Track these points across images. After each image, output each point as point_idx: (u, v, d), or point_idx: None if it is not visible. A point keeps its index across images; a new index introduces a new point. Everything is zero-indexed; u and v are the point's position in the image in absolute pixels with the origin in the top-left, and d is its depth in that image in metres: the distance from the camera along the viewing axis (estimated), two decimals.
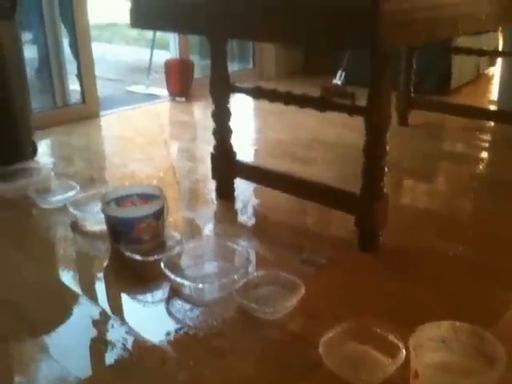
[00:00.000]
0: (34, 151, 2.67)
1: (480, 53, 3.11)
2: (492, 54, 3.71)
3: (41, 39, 3.59)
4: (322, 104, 1.95)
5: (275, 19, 1.62)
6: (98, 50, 3.92)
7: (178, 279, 1.61)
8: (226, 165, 2.27)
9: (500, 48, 3.89)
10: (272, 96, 2.09)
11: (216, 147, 2.26)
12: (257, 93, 2.17)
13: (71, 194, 2.24)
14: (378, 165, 1.79)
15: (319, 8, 1.53)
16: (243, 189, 2.33)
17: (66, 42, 3.63)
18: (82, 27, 3.45)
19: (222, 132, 2.24)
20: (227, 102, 2.19)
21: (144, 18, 1.97)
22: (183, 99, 3.89)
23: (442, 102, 3.31)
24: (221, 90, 2.17)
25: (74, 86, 3.60)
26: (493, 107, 3.58)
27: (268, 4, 1.63)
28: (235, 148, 2.24)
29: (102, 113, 3.56)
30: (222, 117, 2.22)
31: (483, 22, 1.87)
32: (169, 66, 3.91)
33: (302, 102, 2.00)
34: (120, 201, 1.94)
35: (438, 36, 1.69)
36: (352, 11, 1.46)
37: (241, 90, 2.20)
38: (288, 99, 2.04)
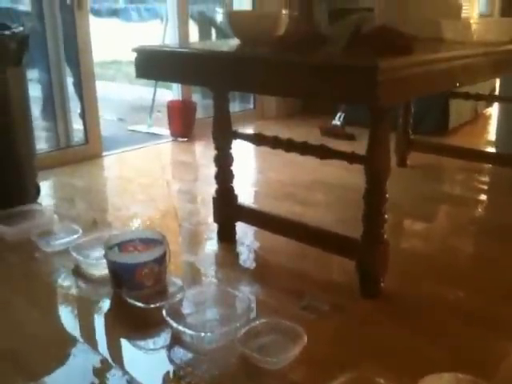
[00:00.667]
0: (38, 193, 2.70)
1: (477, 97, 3.17)
2: (489, 99, 3.77)
3: (45, 78, 3.65)
4: (323, 152, 1.99)
5: (276, 75, 1.67)
6: (101, 88, 3.99)
7: (180, 327, 1.61)
8: (227, 209, 2.29)
9: (497, 90, 3.95)
10: (273, 143, 2.13)
11: (218, 191, 2.29)
12: (258, 140, 2.21)
13: (74, 237, 2.26)
14: (379, 212, 1.82)
15: (318, 65, 1.58)
16: (245, 232, 2.35)
17: (69, 81, 3.69)
18: (86, 67, 3.51)
19: (224, 176, 2.27)
20: (229, 147, 2.23)
21: (149, 69, 2.02)
22: (185, 139, 3.95)
23: (441, 144, 3.35)
24: (223, 136, 2.21)
25: (77, 125, 3.66)
26: (491, 149, 3.63)
27: (269, 61, 1.68)
28: (236, 189, 2.26)
29: (104, 153, 3.61)
30: (224, 162, 2.25)
31: (479, 74, 1.92)
32: (171, 107, 3.97)
33: (303, 149, 2.04)
34: (122, 246, 1.96)
35: (435, 90, 1.74)
36: (350, 69, 1.51)
37: (243, 137, 2.24)
38: (289, 146, 2.08)
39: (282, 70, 1.68)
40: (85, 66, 3.51)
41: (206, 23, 6.67)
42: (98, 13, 9.49)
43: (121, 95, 6.32)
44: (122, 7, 10.65)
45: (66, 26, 3.48)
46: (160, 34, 4.55)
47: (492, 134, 3.97)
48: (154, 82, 4.71)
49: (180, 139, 3.96)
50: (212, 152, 2.23)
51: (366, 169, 1.80)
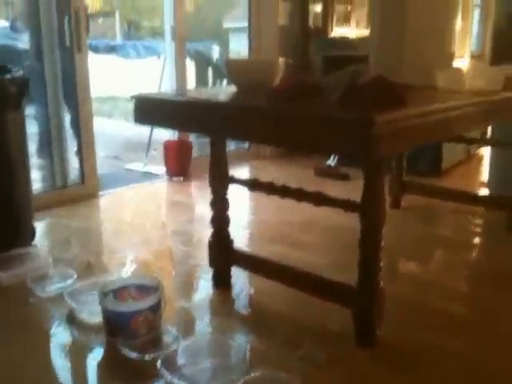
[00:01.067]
0: (33, 236, 2.69)
1: (469, 141, 3.22)
2: (481, 142, 3.83)
3: (43, 116, 3.68)
4: (318, 199, 2.01)
5: (272, 126, 1.70)
6: (98, 124, 4.02)
7: (175, 379, 1.59)
8: (223, 254, 2.30)
9: (489, 132, 4.02)
10: (268, 189, 2.15)
11: (213, 235, 2.29)
12: (254, 185, 2.22)
13: (68, 282, 2.25)
14: (374, 261, 1.83)
15: (315, 118, 1.61)
16: (240, 276, 2.34)
17: (67, 119, 3.71)
18: (84, 107, 3.54)
19: (220, 221, 2.28)
20: (225, 192, 2.24)
21: (147, 115, 2.05)
22: (181, 179, 3.96)
23: (434, 186, 3.38)
24: (219, 181, 2.23)
25: (73, 163, 3.67)
26: (484, 191, 3.66)
27: (265, 112, 1.71)
28: (231, 231, 2.26)
29: (100, 193, 3.61)
30: (220, 207, 2.26)
31: (473, 123, 1.96)
32: (167, 147, 4.00)
33: (299, 196, 2.06)
34: (117, 293, 1.95)
35: (429, 141, 1.77)
36: (346, 123, 1.54)
37: (239, 182, 2.26)
38: (284, 193, 2.10)
39: (278, 122, 1.70)
40: (83, 106, 3.55)
41: (202, 61, 6.79)
42: (95, 49, 9.63)
43: (117, 132, 6.36)
44: (120, 44, 10.80)
45: (64, 64, 3.53)
46: (157, 70, 4.62)
47: (485, 174, 4.01)
48: None
49: (176, 179, 3.98)
50: (208, 192, 2.24)
51: (361, 217, 1.82)
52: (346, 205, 1.93)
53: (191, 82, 5.70)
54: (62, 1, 3.40)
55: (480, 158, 4.68)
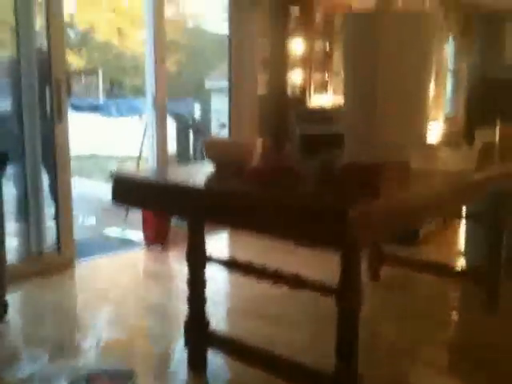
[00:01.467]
0: (5, 311, 2.63)
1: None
2: (456, 216, 3.86)
3: (20, 179, 3.65)
4: (295, 282, 2.01)
5: (248, 211, 1.71)
6: (77, 186, 4.00)
7: None
8: (198, 335, 2.26)
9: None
10: (246, 270, 2.14)
11: (189, 316, 2.26)
12: (231, 265, 2.22)
13: (39, 365, 2.18)
14: (351, 348, 1.81)
15: (289, 206, 1.62)
16: (217, 359, 2.29)
17: (45, 183, 3.68)
18: (62, 175, 3.54)
19: (196, 301, 2.25)
20: (203, 272, 2.23)
21: (125, 196, 2.05)
22: (159, 247, 3.93)
23: (412, 259, 3.39)
24: (197, 261, 2.22)
25: (50, 228, 3.62)
26: (460, 260, 3.70)
27: (241, 197, 1.72)
28: (208, 307, 2.24)
29: (76, 262, 3.56)
30: (196, 286, 2.24)
31: (445, 207, 1.99)
32: (145, 215, 3.98)
33: (276, 278, 2.05)
34: (89, 382, 1.89)
35: (403, 228, 1.79)
36: (321, 212, 1.55)
37: (217, 261, 2.25)
38: (262, 275, 2.09)
39: (254, 207, 1.71)
40: (61, 173, 3.54)
41: (183, 123, 6.88)
42: (78, 108, 9.72)
43: (96, 193, 6.33)
44: (102, 103, 10.94)
45: (44, 130, 3.54)
46: (138, 129, 4.64)
47: (461, 242, 4.06)
48: None
49: (154, 247, 3.94)
50: (185, 263, 2.21)
51: (337, 301, 1.80)
52: (322, 288, 1.92)
53: (172, 142, 5.75)
54: (43, 71, 3.45)
55: (457, 226, 4.73)
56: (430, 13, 4.62)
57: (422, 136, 2.49)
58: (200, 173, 2.34)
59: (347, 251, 1.71)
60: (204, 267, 2.22)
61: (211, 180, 2.08)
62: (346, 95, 2.33)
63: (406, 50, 2.16)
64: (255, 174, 1.94)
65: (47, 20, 3.39)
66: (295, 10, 4.50)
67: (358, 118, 2.36)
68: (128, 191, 2.07)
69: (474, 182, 2.21)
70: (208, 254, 2.23)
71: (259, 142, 2.27)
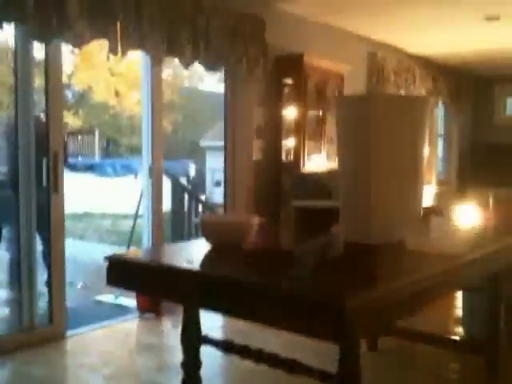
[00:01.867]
0: None
1: None
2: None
3: (13, 245, 3.62)
4: (293, 367, 1.97)
5: (244, 298, 1.68)
6: (70, 248, 3.94)
7: None
8: None
9: None
10: (242, 353, 2.10)
11: None
12: (227, 347, 2.18)
13: None
14: None
15: (284, 295, 1.60)
16: None
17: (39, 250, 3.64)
18: (57, 244, 3.51)
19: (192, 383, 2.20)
20: (197, 354, 2.19)
21: (120, 279, 2.03)
22: (153, 315, 3.87)
23: (410, 330, 3.34)
24: (191, 344, 2.18)
25: (42, 297, 3.55)
26: (459, 330, 3.65)
27: (235, 283, 1.70)
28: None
29: (68, 332, 3.49)
30: (191, 368, 2.20)
31: (441, 292, 1.98)
32: None
33: (274, 362, 2.01)
34: None
35: (402, 317, 1.78)
36: (317, 305, 1.53)
37: (212, 343, 2.21)
38: (259, 358, 2.05)
39: (249, 294, 1.68)
40: (55, 243, 3.52)
41: (178, 186, 6.91)
42: (73, 168, 9.79)
43: (89, 256, 6.28)
44: (98, 162, 11.03)
45: (40, 199, 3.53)
46: (133, 188, 4.62)
47: (459, 310, 4.02)
48: (128, 241, 4.78)
49: (147, 315, 3.88)
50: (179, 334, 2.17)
51: None
52: (321, 375, 1.89)
53: (167, 201, 5.76)
54: (41, 142, 3.47)
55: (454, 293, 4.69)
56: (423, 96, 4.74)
57: (417, 214, 2.49)
58: (196, 251, 2.33)
59: (346, 342, 1.69)
60: (199, 349, 2.19)
61: (207, 263, 2.06)
62: (341, 174, 2.35)
63: (397, 129, 2.20)
64: (251, 256, 1.94)
65: (46, 80, 3.42)
66: (289, 80, 4.63)
67: (352, 198, 2.37)
68: (122, 275, 2.05)
69: (471, 262, 2.20)
70: (204, 334, 2.19)
71: (255, 220, 2.28)
